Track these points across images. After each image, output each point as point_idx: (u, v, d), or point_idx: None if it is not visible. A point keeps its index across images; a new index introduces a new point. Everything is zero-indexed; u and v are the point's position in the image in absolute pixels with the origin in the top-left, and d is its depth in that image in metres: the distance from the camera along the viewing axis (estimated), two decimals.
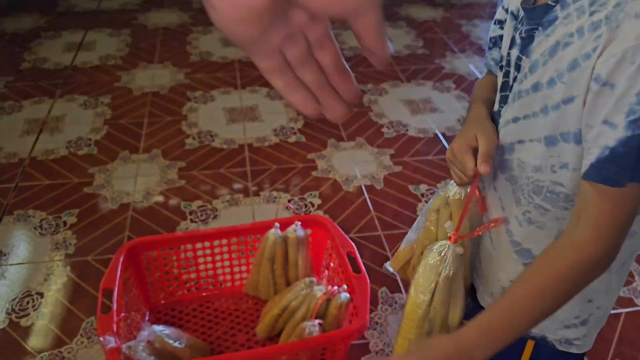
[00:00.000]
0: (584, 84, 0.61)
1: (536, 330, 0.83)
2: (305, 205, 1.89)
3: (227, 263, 1.53)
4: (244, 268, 1.55)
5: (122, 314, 1.24)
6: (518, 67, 0.72)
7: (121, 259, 1.34)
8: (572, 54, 0.62)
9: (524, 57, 0.70)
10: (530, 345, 0.84)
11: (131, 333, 1.27)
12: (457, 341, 0.67)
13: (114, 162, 2.05)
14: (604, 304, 0.79)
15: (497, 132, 0.77)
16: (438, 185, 2.02)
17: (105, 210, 1.84)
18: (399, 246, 1.72)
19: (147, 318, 1.41)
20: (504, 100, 0.77)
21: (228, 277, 1.55)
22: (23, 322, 1.47)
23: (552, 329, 0.81)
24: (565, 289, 0.66)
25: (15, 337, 1.43)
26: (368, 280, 1.30)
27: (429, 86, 2.66)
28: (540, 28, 0.68)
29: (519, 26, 0.73)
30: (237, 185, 1.97)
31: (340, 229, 1.46)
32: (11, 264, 1.63)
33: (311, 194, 1.95)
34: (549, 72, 0.66)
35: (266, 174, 2.03)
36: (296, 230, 1.45)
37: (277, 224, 1.45)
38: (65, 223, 1.78)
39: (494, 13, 3.19)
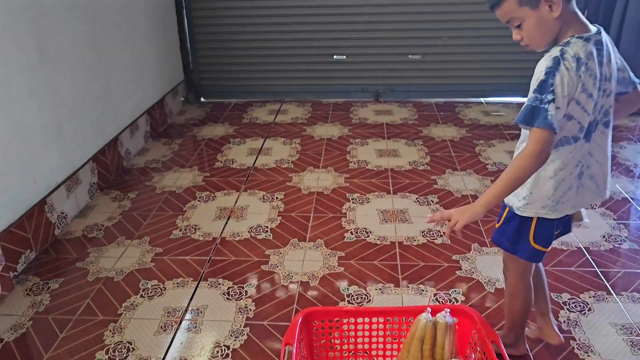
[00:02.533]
0: None
1: (508, 202, 1.56)
2: (450, 300, 2.09)
3: (381, 339, 1.77)
4: (395, 346, 1.77)
5: None
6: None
7: (299, 322, 1.65)
8: None
9: None
10: (507, 209, 1.58)
11: None
12: (472, 203, 1.40)
13: (286, 247, 2.45)
14: (535, 194, 1.49)
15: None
16: (581, 295, 2.09)
17: (278, 285, 2.20)
18: (540, 347, 1.82)
19: None
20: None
21: (380, 352, 1.78)
22: None
23: (511, 203, 1.55)
24: (511, 171, 1.36)
25: None
26: None
27: None
28: None
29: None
30: (388, 276, 2.23)
31: (485, 321, 1.64)
32: (206, 320, 2.03)
33: (455, 291, 2.14)
34: None
35: (414, 269, 2.27)
36: (445, 316, 1.66)
37: (428, 309, 1.68)
38: (246, 292, 2.16)
39: None
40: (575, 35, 1.35)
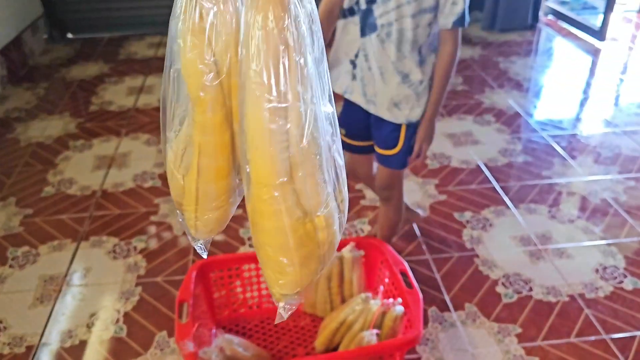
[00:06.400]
0: None
1: (408, 119, 1.47)
2: (356, 232, 2.01)
3: None
4: None
5: (197, 324, 1.37)
6: None
7: (193, 275, 1.48)
8: None
9: None
10: (404, 127, 1.49)
11: (203, 341, 1.39)
12: (426, 117, 1.47)
13: None
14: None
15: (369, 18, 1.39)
16: (482, 212, 2.10)
17: (170, 237, 1.99)
18: (446, 268, 1.80)
19: (214, 331, 1.53)
20: (372, 2, 1.36)
21: None
22: (104, 335, 1.61)
23: (415, 117, 1.47)
24: (449, 72, 1.41)
25: (97, 348, 1.57)
26: (420, 295, 1.40)
27: (469, 120, 2.77)
28: None
29: None
30: None
31: (392, 250, 1.57)
32: (90, 284, 1.79)
33: (360, 221, 2.06)
34: None
35: None
36: (351, 250, 1.57)
37: None
38: (135, 248, 1.94)
39: (530, 50, 3.29)
40: None
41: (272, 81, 0.49)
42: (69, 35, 4.00)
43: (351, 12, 1.41)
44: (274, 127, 0.52)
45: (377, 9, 1.35)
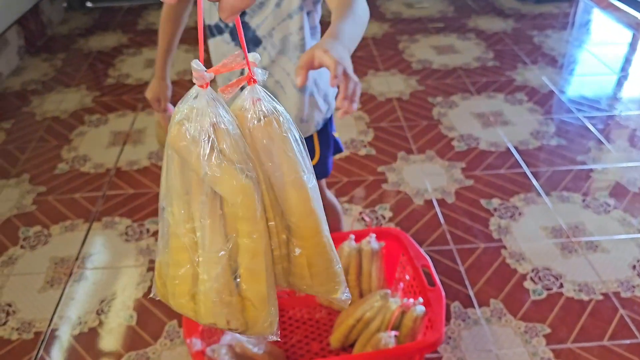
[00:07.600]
0: None
1: (316, 125, 1.25)
2: (377, 218, 1.91)
3: None
4: None
5: None
6: None
7: None
8: None
9: None
10: (315, 134, 1.27)
11: (212, 337, 1.33)
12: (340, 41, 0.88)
13: None
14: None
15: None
16: (511, 199, 1.98)
17: None
18: (471, 260, 1.71)
19: None
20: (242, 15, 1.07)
21: None
22: (113, 323, 1.57)
23: (323, 117, 1.26)
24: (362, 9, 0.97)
25: (107, 337, 1.53)
26: (443, 294, 1.31)
27: (500, 99, 2.62)
28: None
29: None
30: None
31: (415, 242, 1.47)
32: (101, 268, 1.75)
33: (382, 207, 1.96)
34: None
35: (337, 186, 2.07)
36: (370, 242, 1.48)
37: (352, 236, 1.49)
38: (148, 230, 1.89)
39: (567, 23, 3.08)
40: None
41: (300, 159, 0.62)
42: (89, 4, 3.92)
43: (219, 30, 1.15)
44: (313, 194, 0.64)
45: (253, 20, 1.09)
